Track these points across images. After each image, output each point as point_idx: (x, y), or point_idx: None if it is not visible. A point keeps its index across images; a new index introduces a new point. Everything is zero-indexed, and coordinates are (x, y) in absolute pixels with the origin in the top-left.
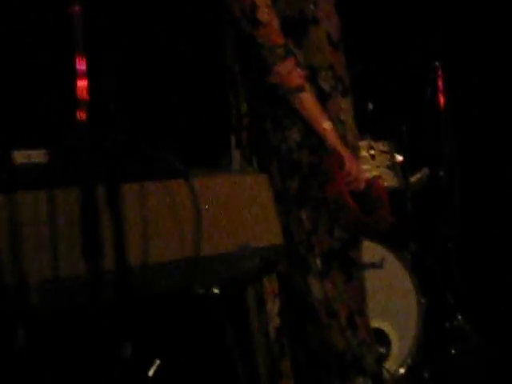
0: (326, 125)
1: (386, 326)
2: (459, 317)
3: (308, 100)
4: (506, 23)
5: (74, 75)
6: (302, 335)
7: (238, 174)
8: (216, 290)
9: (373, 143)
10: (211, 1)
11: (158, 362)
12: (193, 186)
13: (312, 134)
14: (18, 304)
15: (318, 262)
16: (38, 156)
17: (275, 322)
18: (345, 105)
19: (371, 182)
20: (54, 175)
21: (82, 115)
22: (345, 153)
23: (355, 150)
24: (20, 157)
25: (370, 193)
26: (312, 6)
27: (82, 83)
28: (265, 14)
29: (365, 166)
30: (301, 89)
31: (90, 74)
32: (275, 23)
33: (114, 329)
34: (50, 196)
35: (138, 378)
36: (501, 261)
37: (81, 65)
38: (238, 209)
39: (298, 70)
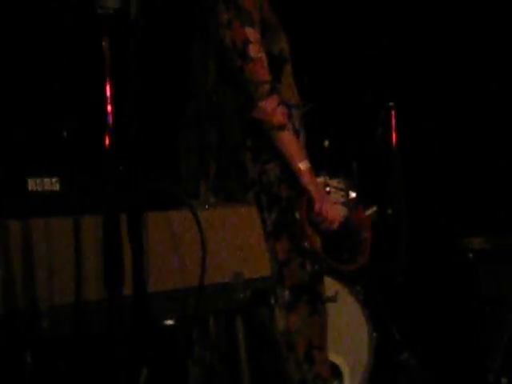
0: (302, 165)
1: (338, 359)
2: (405, 352)
3: (287, 138)
4: (461, 64)
5: (101, 101)
6: (258, 365)
7: (229, 205)
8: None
9: (328, 180)
10: None
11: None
12: (198, 216)
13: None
14: (29, 329)
15: (287, 294)
16: (51, 183)
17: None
18: (304, 143)
19: (350, 218)
20: (66, 203)
21: (108, 141)
22: (316, 194)
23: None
24: (34, 184)
25: (349, 230)
26: (286, 46)
27: (109, 109)
28: (255, 49)
29: None
30: (283, 127)
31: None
32: (264, 60)
33: (131, 354)
34: (63, 223)
35: None
36: (444, 297)
37: (108, 91)
38: (229, 240)
39: (282, 107)
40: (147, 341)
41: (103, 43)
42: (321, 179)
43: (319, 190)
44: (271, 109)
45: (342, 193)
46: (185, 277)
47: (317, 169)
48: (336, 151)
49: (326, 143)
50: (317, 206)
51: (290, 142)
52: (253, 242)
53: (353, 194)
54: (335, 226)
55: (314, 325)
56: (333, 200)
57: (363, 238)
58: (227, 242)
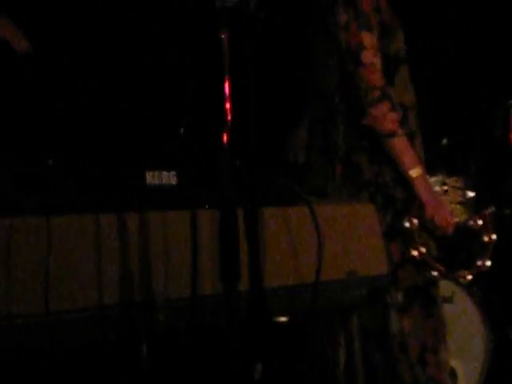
0: (413, 172)
1: (453, 361)
2: None
3: (398, 145)
4: None
5: (220, 98)
6: (371, 365)
7: (347, 203)
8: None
9: (446, 179)
10: None
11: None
12: (315, 212)
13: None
14: (145, 322)
15: (400, 296)
16: (168, 177)
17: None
18: (421, 142)
19: (468, 221)
20: (184, 196)
21: (225, 138)
22: (428, 201)
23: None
24: (152, 177)
25: (468, 233)
26: (403, 45)
27: (228, 106)
28: (369, 55)
29: None
30: (393, 134)
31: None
32: (378, 65)
33: (246, 349)
34: (180, 216)
35: None
36: None
37: (227, 89)
38: (347, 237)
39: (393, 113)
40: (262, 336)
41: (222, 37)
42: (438, 177)
43: (431, 197)
44: (381, 116)
45: (460, 192)
46: (300, 273)
47: (434, 167)
48: (454, 149)
49: (445, 141)
50: (428, 213)
51: (401, 149)
52: (370, 239)
53: (470, 194)
54: (449, 231)
55: (429, 328)
56: (449, 200)
57: (484, 241)
58: (344, 239)
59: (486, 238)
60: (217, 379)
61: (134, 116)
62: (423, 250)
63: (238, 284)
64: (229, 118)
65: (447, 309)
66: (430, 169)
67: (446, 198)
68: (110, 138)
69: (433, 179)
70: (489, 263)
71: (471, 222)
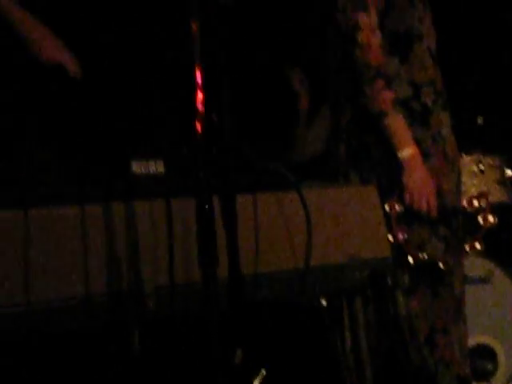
0: (402, 152)
1: (492, 342)
2: None
3: (390, 125)
4: None
5: (192, 87)
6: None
7: (347, 186)
8: (323, 302)
9: (482, 158)
10: None
11: (263, 372)
12: (304, 197)
13: None
14: (135, 310)
15: (406, 278)
16: (155, 166)
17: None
18: (445, 119)
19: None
20: (171, 186)
21: (198, 127)
22: (410, 184)
23: (455, 163)
24: (138, 167)
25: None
26: (417, 23)
27: (199, 95)
28: (365, 36)
29: (473, 181)
30: (384, 113)
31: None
32: (374, 44)
33: (226, 335)
34: (166, 205)
35: None
36: None
37: (198, 77)
38: (347, 220)
39: (386, 92)
40: (242, 322)
41: (193, 27)
42: (474, 157)
43: (417, 179)
44: (374, 94)
45: (497, 171)
46: (296, 258)
47: (470, 146)
48: (490, 128)
49: (480, 120)
50: (407, 198)
51: (393, 129)
52: (371, 222)
53: (509, 172)
54: (433, 214)
55: (437, 309)
56: (485, 179)
57: (479, 223)
58: (342, 223)
59: (481, 221)
60: (198, 366)
61: (118, 105)
62: (401, 236)
63: (215, 270)
64: (200, 106)
65: (485, 289)
66: (466, 148)
67: (482, 178)
68: (95, 127)
69: (468, 158)
70: (491, 218)
71: (465, 204)
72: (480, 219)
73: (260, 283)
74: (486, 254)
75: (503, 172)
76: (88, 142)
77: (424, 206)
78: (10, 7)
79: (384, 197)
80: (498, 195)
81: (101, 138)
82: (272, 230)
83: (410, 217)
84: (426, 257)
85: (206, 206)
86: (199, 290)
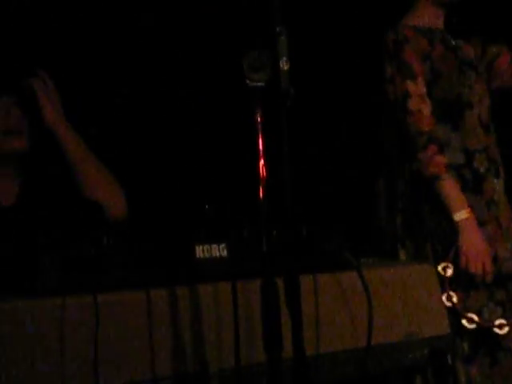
0: (457, 216)
1: None
2: None
3: (444, 188)
4: None
5: (253, 156)
6: None
7: (405, 264)
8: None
9: None
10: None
11: None
12: (364, 278)
13: None
14: None
15: (466, 345)
16: (218, 250)
17: None
18: (498, 186)
19: None
20: (234, 268)
21: (263, 195)
22: (466, 247)
23: (508, 231)
24: (201, 251)
25: None
26: (467, 90)
27: (262, 163)
28: (415, 103)
29: None
30: (437, 177)
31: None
32: (424, 110)
33: None
34: (231, 287)
35: None
36: None
37: (261, 145)
38: (407, 298)
39: (438, 157)
40: None
41: (256, 115)
42: None
43: (473, 243)
44: (427, 159)
45: None
46: (356, 337)
47: None
48: None
49: None
50: (463, 261)
51: (446, 192)
52: (429, 299)
53: None
54: (488, 279)
55: (497, 375)
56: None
57: None
58: (401, 301)
59: None
60: None
61: (180, 190)
62: (454, 298)
63: (280, 352)
64: (263, 173)
65: None
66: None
67: None
68: (158, 212)
69: None
70: None
71: None
72: None
73: (322, 364)
74: None
75: None
76: (152, 226)
77: (480, 270)
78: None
79: (438, 263)
80: None
81: (165, 222)
82: (332, 310)
83: (466, 281)
84: (481, 320)
85: (271, 287)
86: (264, 371)
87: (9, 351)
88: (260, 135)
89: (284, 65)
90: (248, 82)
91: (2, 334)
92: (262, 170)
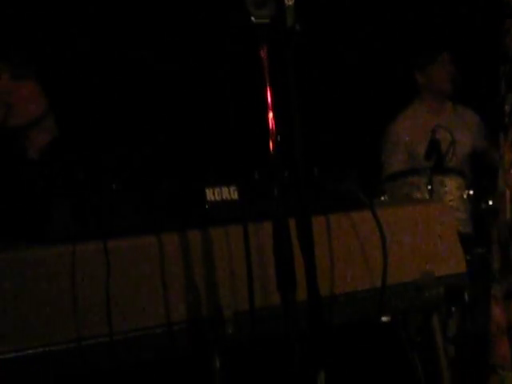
0: None
1: None
2: None
3: None
4: None
5: (263, 108)
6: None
7: (420, 203)
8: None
9: None
10: None
11: None
12: (378, 216)
13: None
14: (214, 336)
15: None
16: (229, 192)
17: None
18: None
19: None
20: (245, 211)
21: (271, 146)
22: None
23: None
24: (212, 194)
25: None
26: None
27: (270, 115)
28: None
29: None
30: None
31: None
32: None
33: (307, 358)
34: (243, 231)
35: None
36: None
37: (269, 98)
38: (422, 237)
39: None
40: (323, 344)
41: (261, 52)
42: None
43: None
44: None
45: None
46: (371, 277)
47: None
48: None
49: None
50: None
51: None
52: (445, 238)
53: None
54: None
55: None
56: None
57: None
58: (416, 240)
59: None
60: None
61: (192, 133)
62: None
63: (294, 294)
64: (272, 126)
65: None
66: None
67: None
68: (168, 157)
69: None
70: None
71: None
72: None
73: (337, 304)
74: None
75: None
76: (162, 170)
77: None
78: None
79: None
80: None
81: (175, 166)
82: (347, 251)
83: None
84: None
85: (283, 229)
86: (279, 314)
87: (23, 298)
88: (268, 87)
89: (288, 0)
90: (252, 19)
91: (15, 282)
92: (272, 123)
